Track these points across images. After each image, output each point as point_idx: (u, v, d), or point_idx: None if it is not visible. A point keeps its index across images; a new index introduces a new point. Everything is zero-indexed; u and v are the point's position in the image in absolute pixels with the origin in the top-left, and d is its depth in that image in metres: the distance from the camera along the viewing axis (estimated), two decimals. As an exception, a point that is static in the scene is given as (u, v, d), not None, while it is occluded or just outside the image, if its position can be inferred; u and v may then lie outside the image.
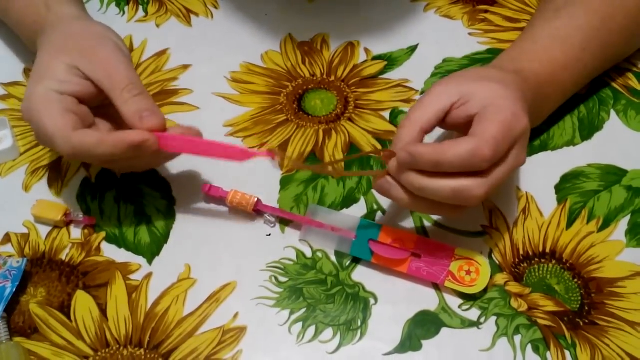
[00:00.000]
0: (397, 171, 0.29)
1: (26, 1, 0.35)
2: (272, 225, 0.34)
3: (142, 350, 0.30)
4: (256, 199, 0.33)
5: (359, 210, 0.34)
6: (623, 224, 0.34)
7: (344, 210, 0.34)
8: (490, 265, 0.31)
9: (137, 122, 0.30)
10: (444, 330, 0.30)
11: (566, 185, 0.35)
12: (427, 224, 0.34)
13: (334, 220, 0.33)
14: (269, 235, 0.33)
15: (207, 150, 0.31)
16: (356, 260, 0.33)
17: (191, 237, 0.34)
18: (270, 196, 0.35)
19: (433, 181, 0.27)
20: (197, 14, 0.44)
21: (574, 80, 0.35)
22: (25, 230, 0.34)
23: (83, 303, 0.31)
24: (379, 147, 0.37)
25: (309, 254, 0.33)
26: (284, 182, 0.36)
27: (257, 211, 0.34)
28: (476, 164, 0.27)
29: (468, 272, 0.31)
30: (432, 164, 0.27)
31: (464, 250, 0.31)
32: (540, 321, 0.31)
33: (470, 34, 0.43)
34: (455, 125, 0.30)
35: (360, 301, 0.31)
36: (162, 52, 0.42)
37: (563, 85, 0.35)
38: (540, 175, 0.36)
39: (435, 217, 0.34)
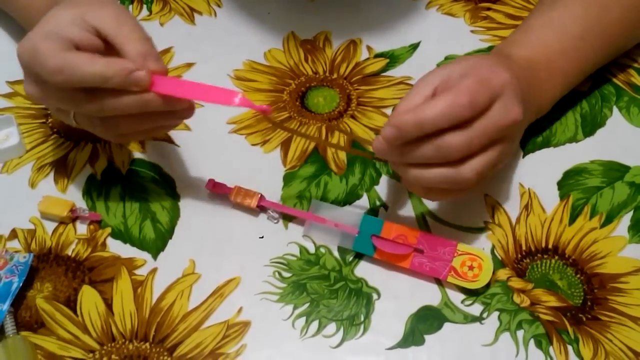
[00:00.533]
0: (389, 152, 0.28)
1: None
2: (276, 221, 0.34)
3: (147, 344, 0.30)
4: (259, 195, 0.34)
5: (361, 206, 0.35)
6: (626, 220, 0.34)
7: (347, 206, 0.35)
8: (492, 261, 0.31)
9: (140, 62, 0.28)
10: (446, 325, 0.30)
11: (569, 181, 0.35)
12: (429, 219, 0.34)
13: (337, 215, 0.33)
14: (262, 237, 0.33)
15: (200, 92, 0.29)
16: (359, 256, 0.33)
17: (196, 232, 0.34)
18: (274, 193, 0.35)
19: (424, 171, 0.28)
20: (200, 13, 0.44)
21: (575, 69, 0.35)
22: (32, 226, 0.34)
23: (89, 298, 0.31)
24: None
25: (312, 249, 0.33)
26: (287, 179, 0.36)
27: (260, 207, 0.34)
28: (456, 114, 0.27)
29: (471, 267, 0.31)
30: (416, 128, 0.27)
31: (467, 246, 0.32)
32: (542, 316, 0.31)
33: (472, 31, 0.43)
34: None
35: (363, 296, 0.31)
36: (166, 51, 0.42)
37: (562, 72, 0.34)
38: (542, 172, 0.36)
39: (437, 213, 0.34)
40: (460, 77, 0.28)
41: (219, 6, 0.45)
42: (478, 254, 0.31)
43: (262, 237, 0.34)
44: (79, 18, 0.29)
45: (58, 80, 0.28)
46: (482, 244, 0.33)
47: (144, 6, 0.45)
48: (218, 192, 0.34)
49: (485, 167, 0.28)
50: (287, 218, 0.34)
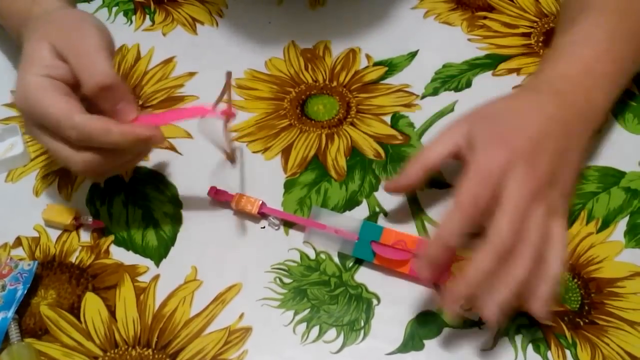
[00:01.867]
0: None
1: None
2: (277, 227, 0.34)
3: (150, 351, 0.30)
4: (261, 202, 0.34)
5: (361, 212, 0.35)
6: (622, 224, 0.34)
7: (347, 213, 0.35)
8: None
9: (93, 85, 0.28)
10: (445, 330, 0.31)
11: (565, 187, 0.36)
12: (429, 226, 0.34)
13: (337, 222, 0.33)
14: (263, 227, 0.34)
15: (176, 117, 0.33)
16: (359, 262, 0.33)
17: (197, 239, 0.34)
18: (274, 199, 0.36)
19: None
20: (202, 23, 0.45)
21: (616, 69, 0.34)
22: (36, 234, 0.35)
23: (92, 305, 0.32)
24: (381, 151, 0.38)
25: (312, 255, 0.34)
26: (288, 186, 0.36)
27: (261, 214, 0.34)
28: (470, 220, 0.27)
29: None
30: (443, 248, 0.28)
31: (466, 251, 0.32)
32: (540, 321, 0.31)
33: (469, 39, 0.43)
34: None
35: (363, 302, 0.32)
36: (169, 60, 0.43)
37: (604, 75, 0.33)
38: (539, 178, 0.36)
39: (437, 220, 0.35)
40: (480, 145, 0.29)
41: (220, 16, 0.45)
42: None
43: (264, 227, 0.34)
44: (54, 51, 0.29)
45: (72, 136, 0.28)
46: (481, 250, 0.33)
47: (147, 16, 0.45)
48: (220, 200, 0.35)
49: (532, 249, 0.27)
50: (288, 225, 0.35)
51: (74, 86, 0.30)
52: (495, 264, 0.27)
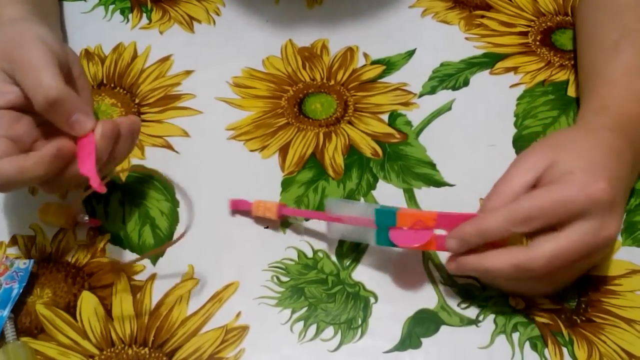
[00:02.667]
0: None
1: None
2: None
3: (146, 349, 0.30)
4: (279, 205, 0.33)
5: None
6: (619, 223, 0.34)
7: (362, 201, 0.34)
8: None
9: (68, 129, 0.27)
10: (443, 328, 0.31)
11: (562, 185, 0.36)
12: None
13: (353, 211, 0.31)
14: (266, 227, 0.34)
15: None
16: (356, 260, 0.33)
17: (194, 238, 0.34)
18: (272, 198, 0.35)
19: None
20: (199, 21, 0.45)
21: None
22: (32, 233, 0.34)
23: (88, 303, 0.32)
24: (378, 149, 0.38)
25: (309, 254, 0.34)
26: (285, 184, 0.36)
27: (281, 216, 0.34)
28: (522, 276, 0.27)
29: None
30: (481, 275, 0.28)
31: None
32: (537, 319, 0.31)
33: (466, 38, 0.43)
34: None
35: (360, 300, 0.32)
36: (166, 58, 0.43)
37: None
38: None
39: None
40: (560, 175, 0.27)
41: (217, 14, 0.45)
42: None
43: (267, 227, 0.34)
44: (2, 73, 0.28)
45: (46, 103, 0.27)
46: (478, 248, 0.34)
47: (144, 15, 0.45)
48: (240, 209, 0.34)
49: (558, 252, 0.26)
50: (285, 224, 0.35)
51: (27, 107, 0.28)
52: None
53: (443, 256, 0.33)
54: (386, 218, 0.30)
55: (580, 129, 0.32)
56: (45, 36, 0.29)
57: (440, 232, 0.30)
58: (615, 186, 0.27)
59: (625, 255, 0.33)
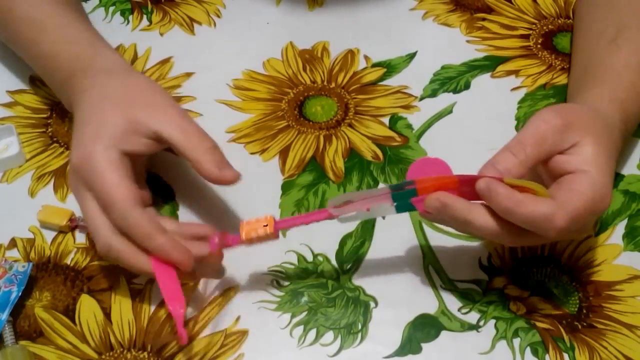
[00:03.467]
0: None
1: (65, 37, 0.33)
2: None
3: (145, 354, 0.30)
4: (271, 218, 0.29)
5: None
6: (620, 227, 0.34)
7: (367, 190, 0.33)
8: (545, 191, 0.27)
9: (217, 172, 0.29)
10: (443, 333, 0.31)
11: (564, 189, 0.36)
12: (427, 228, 0.34)
13: (361, 197, 0.29)
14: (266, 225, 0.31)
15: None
16: (356, 264, 0.33)
17: (194, 241, 0.34)
18: (272, 201, 0.35)
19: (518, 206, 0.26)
20: (200, 23, 0.45)
21: None
22: (31, 235, 0.34)
23: (87, 307, 0.32)
24: (379, 153, 0.38)
25: (309, 257, 0.33)
26: (285, 187, 0.36)
27: (277, 230, 0.29)
28: (545, 229, 0.26)
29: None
30: (503, 209, 0.26)
31: (513, 180, 0.27)
32: (538, 324, 0.31)
33: (468, 41, 0.43)
34: (544, 162, 0.28)
35: (360, 304, 0.32)
36: (166, 60, 0.42)
37: None
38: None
39: (436, 222, 0.34)
40: (580, 167, 0.27)
41: (218, 16, 0.45)
42: (529, 186, 0.27)
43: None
44: (138, 124, 0.29)
45: (117, 223, 0.28)
46: (480, 252, 0.33)
47: (144, 16, 0.45)
48: (229, 245, 0.30)
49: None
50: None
51: (142, 157, 0.30)
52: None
53: (444, 260, 0.33)
54: (404, 195, 0.28)
55: (601, 122, 0.30)
56: (161, 88, 0.32)
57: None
58: (611, 187, 0.28)
59: (627, 261, 0.33)
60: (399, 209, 0.29)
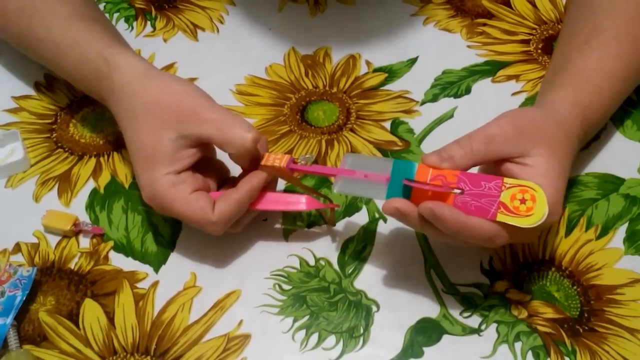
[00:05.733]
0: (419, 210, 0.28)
1: (80, 56, 0.33)
2: (306, 162, 0.32)
3: (148, 358, 0.30)
4: (289, 157, 0.31)
5: (361, 218, 0.35)
6: (621, 231, 0.34)
7: (379, 157, 0.34)
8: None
9: (255, 148, 0.30)
10: (445, 337, 0.31)
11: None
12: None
13: (368, 165, 0.30)
14: (265, 220, 0.34)
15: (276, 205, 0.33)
16: (358, 268, 0.33)
17: (196, 246, 0.34)
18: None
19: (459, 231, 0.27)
20: (203, 29, 0.45)
21: (616, 106, 0.35)
22: (36, 240, 0.35)
23: (91, 311, 0.32)
24: (380, 155, 0.38)
25: (312, 261, 0.34)
26: (290, 189, 0.36)
27: (291, 169, 0.31)
28: (487, 245, 0.28)
29: (523, 201, 0.27)
30: (450, 232, 0.27)
31: (514, 179, 0.27)
32: (540, 328, 0.31)
33: (468, 46, 0.44)
34: (494, 164, 0.29)
35: (362, 308, 0.32)
36: (170, 66, 0.43)
37: (606, 119, 0.36)
38: (538, 184, 0.36)
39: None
40: (531, 178, 0.28)
41: (221, 22, 0.46)
42: (529, 185, 0.27)
43: (265, 219, 0.34)
44: (181, 139, 0.30)
45: (219, 232, 0.31)
46: (481, 256, 0.34)
47: (148, 22, 0.46)
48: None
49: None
50: (287, 232, 0.35)
51: (202, 161, 0.31)
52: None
53: (445, 264, 0.33)
54: (405, 169, 0.29)
55: (559, 128, 0.31)
56: (187, 82, 0.32)
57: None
58: (562, 199, 0.29)
59: (628, 265, 0.33)
60: (389, 194, 0.29)
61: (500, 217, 0.27)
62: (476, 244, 0.28)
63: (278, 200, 0.33)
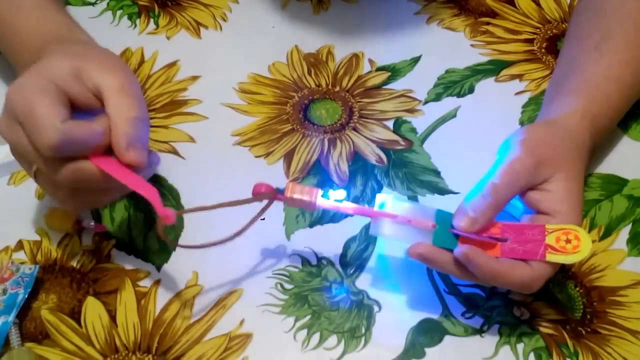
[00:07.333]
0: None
1: (42, 15, 0.33)
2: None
3: (150, 356, 0.30)
4: (318, 191, 0.29)
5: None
6: (624, 233, 0.34)
7: (415, 202, 0.34)
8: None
9: (122, 147, 0.27)
10: (447, 338, 0.31)
11: (568, 194, 0.36)
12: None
13: (408, 211, 0.30)
14: (263, 219, 0.32)
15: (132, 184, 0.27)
16: (360, 268, 0.33)
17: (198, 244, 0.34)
18: (276, 206, 0.35)
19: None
20: (206, 27, 0.45)
21: (622, 116, 0.36)
22: (38, 238, 0.35)
23: (93, 309, 0.32)
24: (383, 156, 0.38)
25: (314, 261, 0.34)
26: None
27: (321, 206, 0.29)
28: (522, 291, 0.29)
29: (568, 241, 0.28)
30: (485, 280, 0.28)
31: (556, 225, 0.29)
32: (542, 329, 0.31)
33: (472, 45, 0.43)
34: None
35: (364, 308, 0.32)
36: (172, 64, 0.43)
37: (615, 123, 0.36)
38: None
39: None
40: (552, 208, 0.29)
41: (224, 20, 0.45)
42: (571, 228, 0.28)
43: (264, 218, 0.33)
44: (81, 72, 0.28)
45: (47, 153, 0.26)
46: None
47: (151, 20, 0.45)
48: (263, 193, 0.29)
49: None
50: (290, 230, 0.35)
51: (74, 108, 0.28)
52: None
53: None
54: (448, 219, 0.29)
55: (572, 143, 0.31)
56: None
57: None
58: (581, 216, 0.30)
59: (631, 266, 0.33)
60: (436, 239, 0.29)
61: (550, 257, 0.28)
62: (518, 290, 0.29)
63: (126, 177, 0.27)
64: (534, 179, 0.29)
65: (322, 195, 0.29)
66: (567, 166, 0.30)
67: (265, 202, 0.30)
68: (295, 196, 0.29)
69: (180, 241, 0.35)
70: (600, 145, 0.35)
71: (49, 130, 0.26)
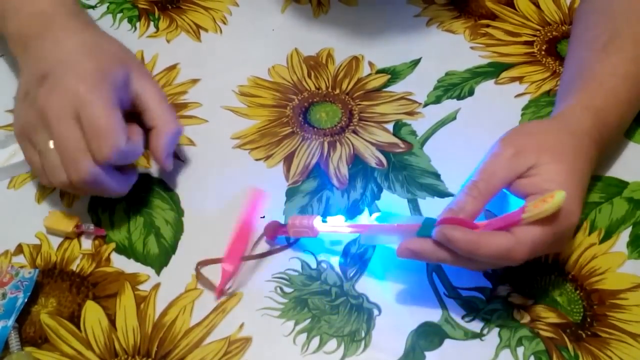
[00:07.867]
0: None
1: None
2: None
3: (149, 360, 0.30)
4: (316, 217, 0.32)
5: (363, 221, 0.35)
6: (624, 235, 0.34)
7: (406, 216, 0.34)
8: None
9: (162, 157, 0.33)
10: (447, 341, 0.31)
11: (568, 197, 0.36)
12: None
13: (398, 221, 0.31)
14: (263, 217, 0.34)
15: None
16: (360, 271, 0.33)
17: (199, 248, 0.34)
18: (276, 207, 0.35)
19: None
20: (206, 30, 0.45)
21: (634, 114, 0.35)
22: (37, 242, 0.35)
23: (92, 313, 0.32)
24: (383, 159, 0.38)
25: (313, 264, 0.34)
26: (290, 194, 0.36)
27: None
28: (508, 262, 0.28)
29: (544, 201, 0.27)
30: (465, 253, 0.28)
31: (536, 201, 0.28)
32: (542, 333, 0.31)
33: (472, 47, 0.43)
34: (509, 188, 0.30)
35: (364, 312, 0.32)
36: (172, 67, 0.43)
37: (628, 121, 0.35)
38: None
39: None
40: (541, 188, 0.28)
41: (224, 23, 0.45)
42: (548, 195, 0.27)
43: (263, 216, 0.34)
44: (129, 79, 0.31)
45: (103, 157, 0.30)
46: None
47: (151, 23, 0.46)
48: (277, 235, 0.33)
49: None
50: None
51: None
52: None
53: (448, 268, 0.33)
54: (432, 223, 0.29)
55: (564, 130, 0.31)
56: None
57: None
58: (583, 201, 0.29)
59: (631, 269, 0.33)
60: (420, 232, 0.29)
61: (526, 215, 0.27)
62: (498, 264, 0.28)
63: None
64: (516, 167, 0.29)
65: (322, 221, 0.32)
66: (555, 150, 0.29)
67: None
68: (296, 222, 0.32)
69: (180, 245, 0.35)
70: (614, 139, 0.34)
71: (117, 140, 0.29)
